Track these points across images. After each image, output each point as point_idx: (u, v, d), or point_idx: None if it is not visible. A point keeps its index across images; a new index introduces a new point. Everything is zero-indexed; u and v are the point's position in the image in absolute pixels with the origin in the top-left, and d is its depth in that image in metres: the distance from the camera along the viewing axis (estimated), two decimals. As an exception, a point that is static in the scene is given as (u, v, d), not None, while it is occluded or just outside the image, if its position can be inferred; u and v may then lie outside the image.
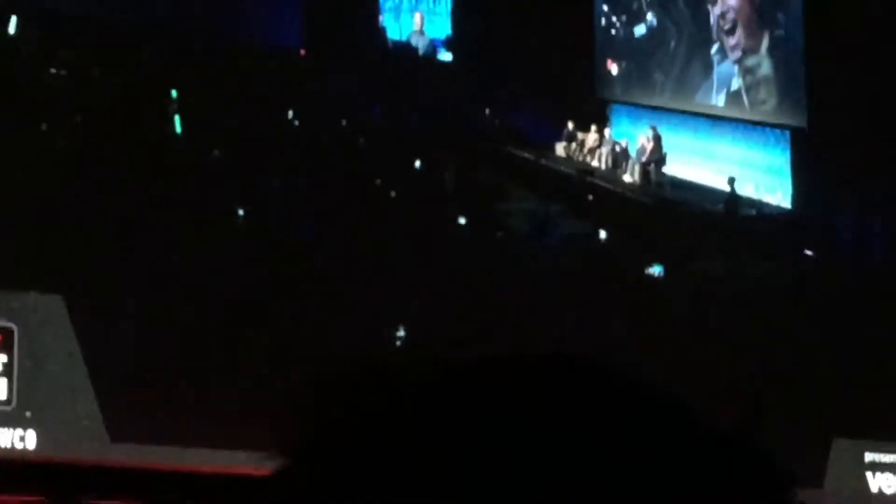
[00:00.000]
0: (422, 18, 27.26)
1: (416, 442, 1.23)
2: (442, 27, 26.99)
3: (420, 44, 27.21)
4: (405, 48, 27.73)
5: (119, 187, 11.83)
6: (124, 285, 9.18)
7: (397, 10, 27.68)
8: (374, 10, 27.01)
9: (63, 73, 18.63)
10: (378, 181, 15.79)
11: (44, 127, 15.10)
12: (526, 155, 22.27)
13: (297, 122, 21.37)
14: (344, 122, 23.16)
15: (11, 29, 20.13)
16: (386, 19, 27.84)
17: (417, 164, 18.52)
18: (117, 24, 18.23)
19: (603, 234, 13.17)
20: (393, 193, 14.90)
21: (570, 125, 22.33)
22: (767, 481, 1.05)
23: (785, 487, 1.00)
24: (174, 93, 13.61)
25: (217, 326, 8.64)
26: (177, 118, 13.45)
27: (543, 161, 21.60)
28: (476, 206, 14.97)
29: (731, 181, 16.56)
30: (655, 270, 10.95)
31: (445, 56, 27.22)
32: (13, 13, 20.71)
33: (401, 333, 9.81)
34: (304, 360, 7.41)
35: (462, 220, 13.52)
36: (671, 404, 1.34)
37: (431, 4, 27.34)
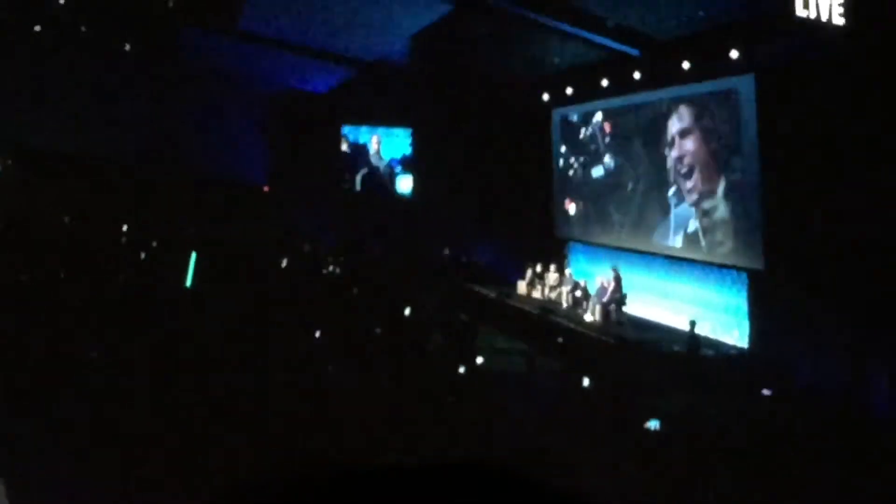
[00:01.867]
0: (378, 141, 28.01)
1: None
2: (400, 147, 27.73)
3: (379, 164, 27.94)
4: (366, 175, 28.38)
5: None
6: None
7: (356, 132, 28.40)
8: (335, 139, 27.73)
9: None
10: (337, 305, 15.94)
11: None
12: (489, 293, 22.45)
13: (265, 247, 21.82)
14: (306, 248, 23.55)
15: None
16: (345, 143, 28.57)
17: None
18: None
19: (586, 382, 13.13)
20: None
21: (533, 264, 22.59)
22: None
23: None
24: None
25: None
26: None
27: (507, 300, 21.79)
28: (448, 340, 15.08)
29: (693, 324, 16.76)
30: (652, 425, 10.96)
31: (404, 178, 27.86)
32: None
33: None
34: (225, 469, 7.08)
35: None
36: None
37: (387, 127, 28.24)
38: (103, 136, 25.14)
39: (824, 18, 12.75)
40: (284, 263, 17.19)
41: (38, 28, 23.15)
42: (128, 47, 24.47)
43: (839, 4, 12.69)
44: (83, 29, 23.04)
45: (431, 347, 13.31)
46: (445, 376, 11.71)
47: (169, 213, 19.59)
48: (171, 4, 19.88)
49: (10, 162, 23.74)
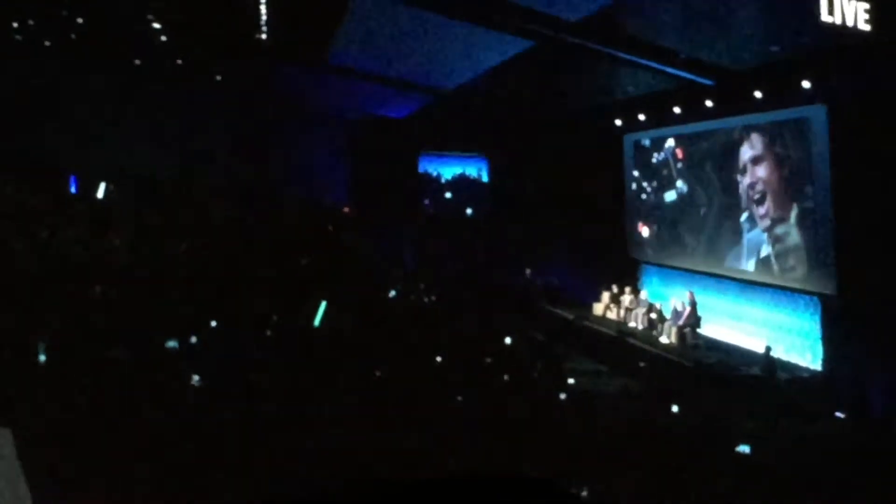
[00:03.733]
0: (455, 166, 28.70)
1: None
2: (475, 171, 28.52)
3: (455, 189, 28.62)
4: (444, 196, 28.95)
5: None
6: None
7: (433, 157, 29.14)
8: (413, 163, 28.46)
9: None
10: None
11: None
12: (567, 315, 23.03)
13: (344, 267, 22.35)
14: (399, 279, 24.07)
15: (100, 193, 21.65)
16: (422, 167, 29.24)
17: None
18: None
19: (675, 409, 13.59)
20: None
21: (609, 286, 23.13)
22: None
23: None
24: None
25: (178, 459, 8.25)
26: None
27: (585, 321, 22.34)
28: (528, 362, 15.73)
29: (769, 348, 17.33)
30: (743, 449, 11.47)
31: (478, 202, 28.48)
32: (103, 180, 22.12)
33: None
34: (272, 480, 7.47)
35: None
36: None
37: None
38: (191, 161, 26.00)
39: (850, 24, 12.93)
40: (392, 294, 17.93)
41: (138, 62, 24.37)
42: (219, 78, 25.52)
43: (864, 11, 12.86)
44: (179, 62, 24.17)
45: (535, 375, 14.00)
46: (550, 400, 12.37)
47: (273, 245, 20.10)
48: (265, 41, 20.77)
49: (112, 187, 24.73)
